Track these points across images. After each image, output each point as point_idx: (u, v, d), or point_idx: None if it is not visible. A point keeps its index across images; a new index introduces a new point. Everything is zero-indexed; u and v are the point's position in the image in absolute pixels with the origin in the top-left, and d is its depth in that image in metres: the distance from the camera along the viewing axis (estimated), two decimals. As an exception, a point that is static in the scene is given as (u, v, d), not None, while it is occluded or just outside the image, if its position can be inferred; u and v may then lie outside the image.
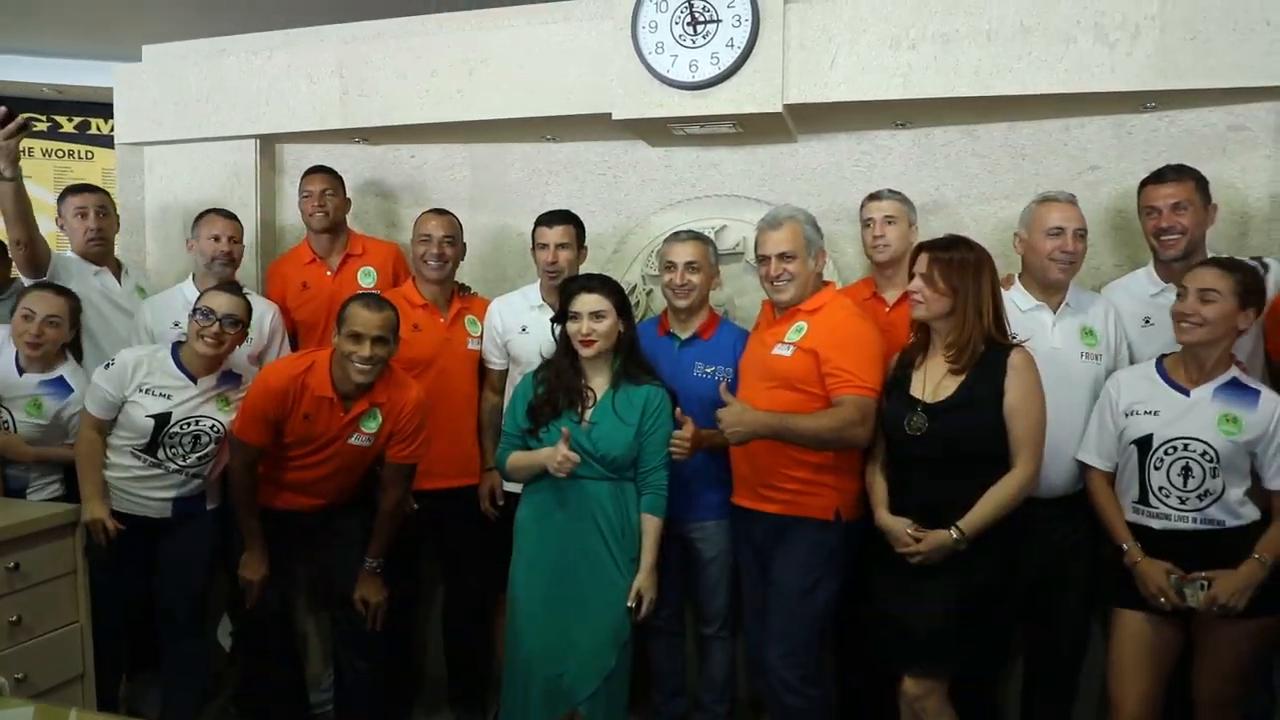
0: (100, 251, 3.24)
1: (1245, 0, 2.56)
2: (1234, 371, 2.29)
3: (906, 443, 2.34)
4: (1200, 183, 2.53)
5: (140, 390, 2.68)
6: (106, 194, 3.35)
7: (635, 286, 3.29)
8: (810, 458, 2.49)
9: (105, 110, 6.27)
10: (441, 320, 3.08)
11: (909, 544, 2.28)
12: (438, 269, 3.04)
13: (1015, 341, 2.36)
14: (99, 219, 3.21)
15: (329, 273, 3.32)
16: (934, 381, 2.35)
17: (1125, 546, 2.32)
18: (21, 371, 2.80)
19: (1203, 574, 2.18)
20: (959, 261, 2.32)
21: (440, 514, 3.07)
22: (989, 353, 2.30)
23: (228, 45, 3.59)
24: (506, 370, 3.07)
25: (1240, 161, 2.79)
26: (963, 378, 2.31)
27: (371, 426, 2.71)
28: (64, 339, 2.86)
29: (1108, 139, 2.94)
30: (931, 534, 2.26)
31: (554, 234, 2.94)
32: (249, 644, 2.97)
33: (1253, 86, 2.62)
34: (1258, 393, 2.24)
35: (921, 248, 2.40)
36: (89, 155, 6.31)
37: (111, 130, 6.23)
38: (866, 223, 2.84)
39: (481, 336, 3.12)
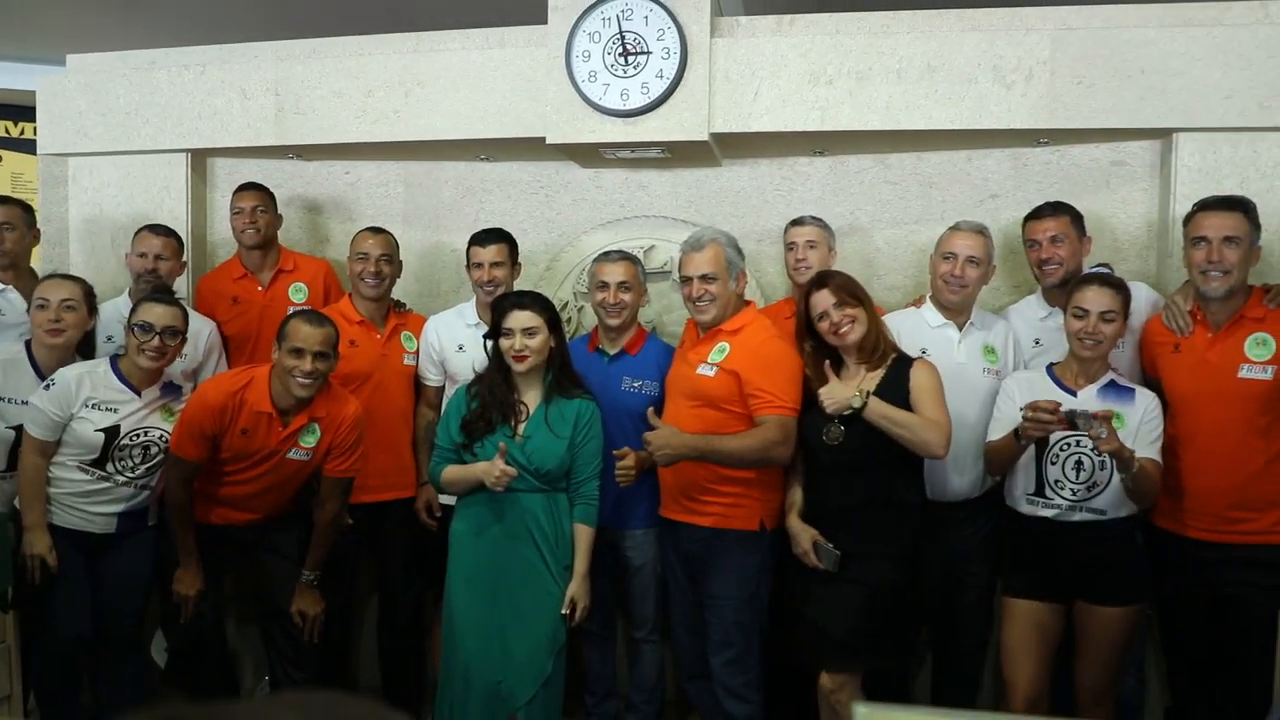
0: None
1: (1124, 50, 2.84)
2: (1111, 374, 2.54)
3: (824, 452, 2.52)
4: (1075, 218, 2.79)
5: (87, 406, 2.67)
6: (14, 207, 3.18)
7: (567, 303, 3.41)
8: (736, 473, 2.60)
9: (14, 112, 6.12)
10: (378, 336, 3.14)
11: (807, 550, 2.49)
12: (375, 287, 3.11)
13: (916, 356, 2.58)
14: None
15: (260, 288, 3.35)
16: (847, 393, 2.51)
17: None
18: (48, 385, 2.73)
19: (1096, 414, 2.32)
20: (849, 279, 2.58)
21: (376, 526, 3.14)
22: (895, 365, 2.51)
23: (157, 58, 3.58)
24: (443, 387, 3.15)
25: (1121, 193, 3.08)
26: (873, 389, 2.48)
27: (310, 441, 2.77)
28: (85, 325, 2.84)
29: (1006, 170, 3.19)
30: (839, 386, 2.47)
31: (488, 253, 3.03)
32: (184, 659, 2.97)
33: (1131, 127, 2.91)
34: (1133, 390, 2.50)
35: (818, 286, 2.55)
36: (-4, 159, 6.12)
37: (21, 133, 6.14)
38: (790, 246, 3.02)
39: (418, 352, 3.19)
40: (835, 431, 2.49)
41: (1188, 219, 2.62)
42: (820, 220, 3.04)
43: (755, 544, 2.64)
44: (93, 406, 2.68)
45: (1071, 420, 2.29)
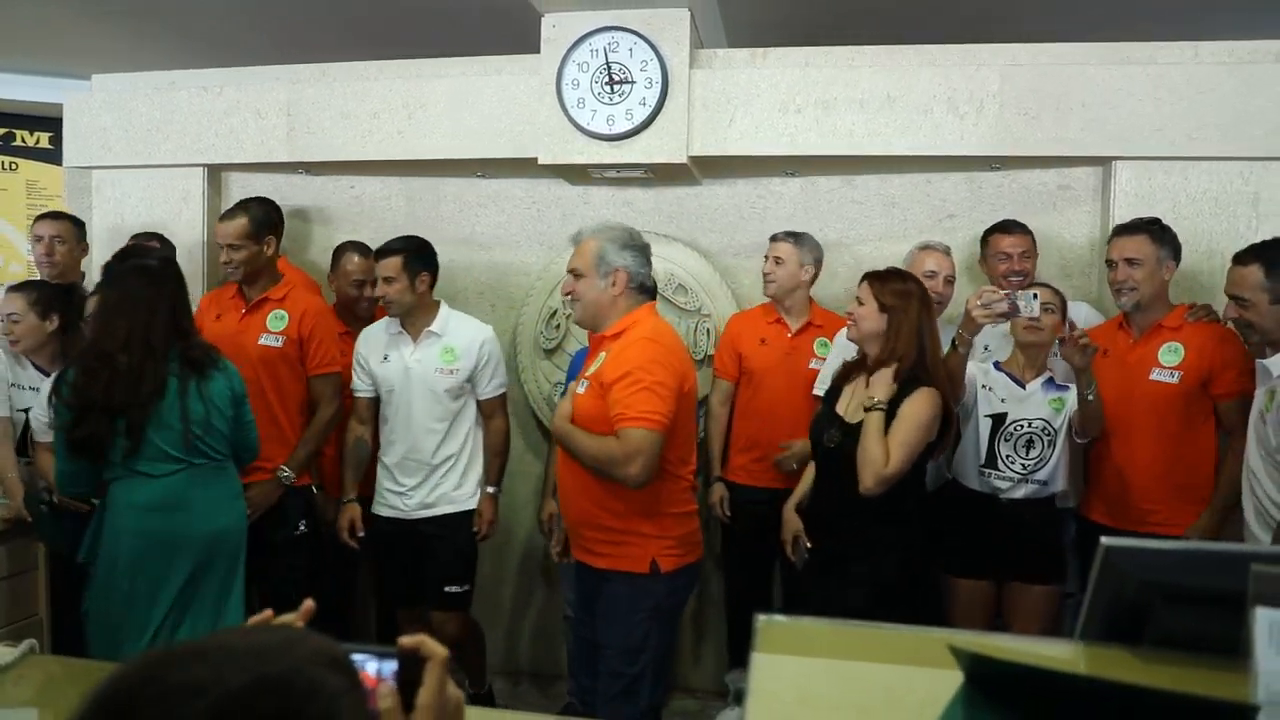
0: (50, 275, 3.48)
1: (1066, 85, 3.10)
2: (1049, 372, 2.84)
3: (824, 454, 2.60)
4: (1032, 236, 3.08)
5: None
6: (65, 222, 3.56)
7: (556, 311, 3.66)
8: (617, 504, 2.33)
9: (30, 122, 6.36)
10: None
11: (786, 541, 2.66)
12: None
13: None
14: (51, 244, 3.50)
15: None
16: (857, 401, 2.52)
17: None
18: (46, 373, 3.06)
19: (1035, 288, 2.63)
20: (893, 287, 2.52)
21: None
22: (906, 384, 2.44)
23: (178, 79, 3.83)
24: (375, 398, 3.13)
25: (1067, 215, 3.34)
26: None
27: (278, 325, 3.09)
28: (40, 332, 3.09)
29: (962, 192, 3.45)
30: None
31: (380, 267, 3.02)
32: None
33: (1073, 155, 3.17)
34: (1067, 387, 2.79)
35: (864, 275, 2.63)
36: (13, 166, 6.34)
37: (37, 143, 6.38)
38: (765, 258, 3.24)
39: None
40: (835, 435, 2.52)
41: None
42: (794, 236, 3.23)
43: (645, 587, 2.33)
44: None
45: (1014, 304, 2.54)
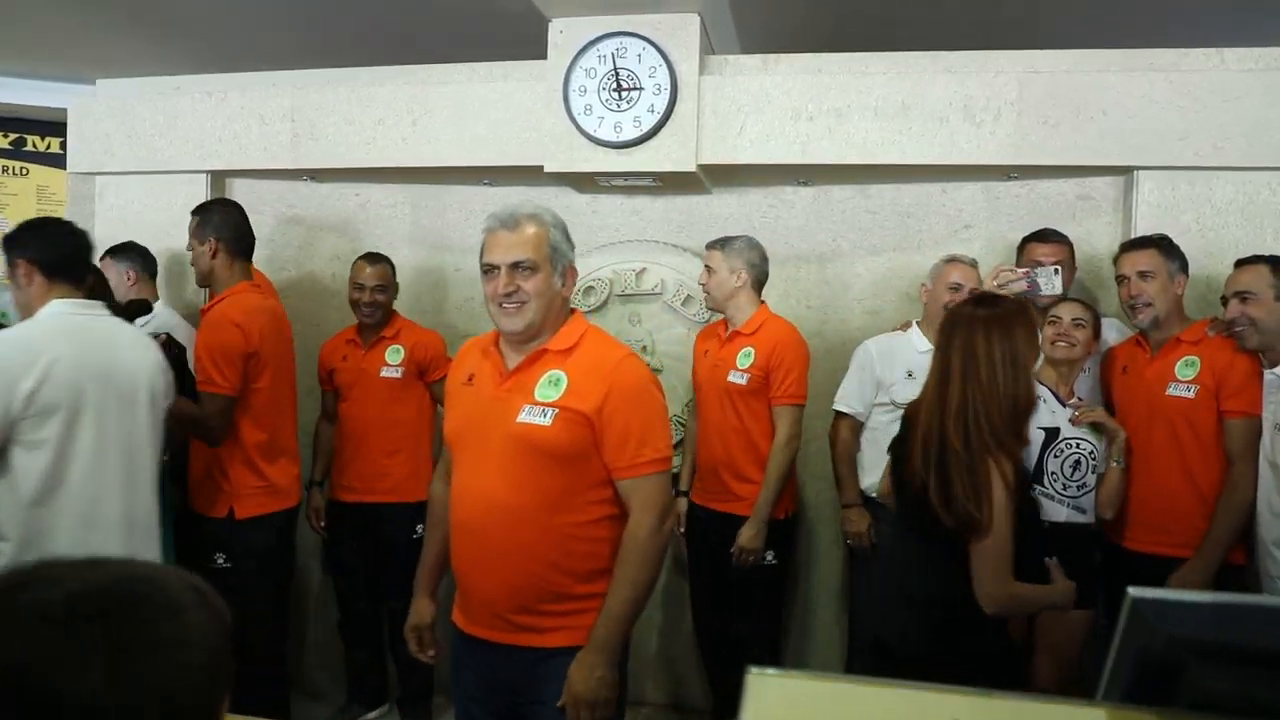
0: None
1: (1086, 92, 3.01)
2: (1078, 394, 2.77)
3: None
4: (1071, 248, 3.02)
5: None
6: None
7: (563, 321, 3.59)
8: (581, 565, 1.90)
9: (41, 127, 6.35)
10: (361, 350, 3.37)
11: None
12: (369, 316, 3.33)
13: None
14: None
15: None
16: None
17: None
18: None
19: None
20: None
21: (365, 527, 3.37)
22: None
23: (182, 84, 3.79)
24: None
25: (1087, 225, 3.24)
26: None
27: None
28: None
29: (979, 202, 3.36)
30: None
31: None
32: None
33: (1094, 164, 3.08)
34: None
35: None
36: (24, 171, 6.33)
37: (48, 148, 6.37)
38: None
39: (401, 364, 3.32)
40: None
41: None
42: (722, 243, 3.11)
43: None
44: None
45: (1034, 281, 2.55)
